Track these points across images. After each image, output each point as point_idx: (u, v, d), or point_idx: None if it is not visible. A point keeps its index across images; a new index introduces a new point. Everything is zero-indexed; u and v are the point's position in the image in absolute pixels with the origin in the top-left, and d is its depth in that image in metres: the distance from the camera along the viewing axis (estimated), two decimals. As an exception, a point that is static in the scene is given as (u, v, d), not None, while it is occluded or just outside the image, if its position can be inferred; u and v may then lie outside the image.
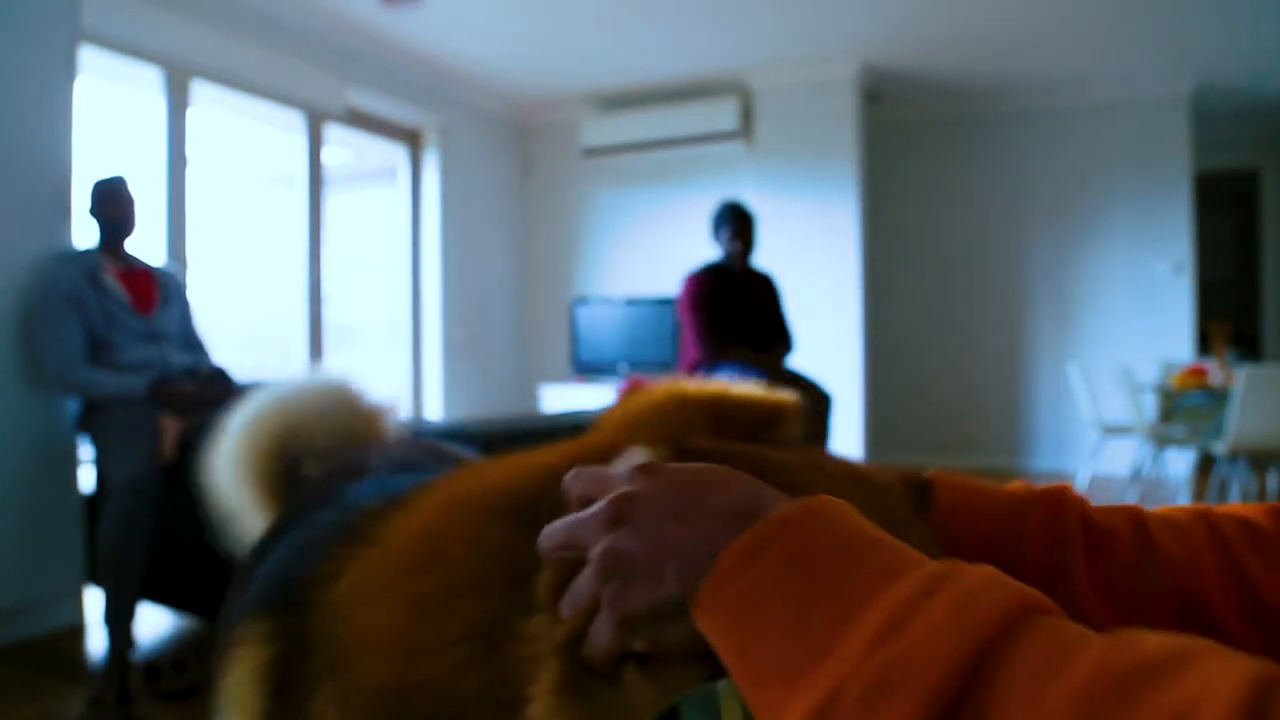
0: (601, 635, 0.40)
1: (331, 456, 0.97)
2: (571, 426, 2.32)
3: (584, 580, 0.41)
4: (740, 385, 0.55)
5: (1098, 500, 0.57)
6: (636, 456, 0.47)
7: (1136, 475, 4.54)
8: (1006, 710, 0.29)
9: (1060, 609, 0.33)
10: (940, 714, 0.29)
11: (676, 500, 0.40)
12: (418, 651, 0.46)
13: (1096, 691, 0.28)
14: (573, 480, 0.45)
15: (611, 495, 0.42)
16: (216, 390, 2.61)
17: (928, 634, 0.30)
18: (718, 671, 0.38)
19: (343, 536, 0.57)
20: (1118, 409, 5.06)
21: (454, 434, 1.93)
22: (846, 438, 4.90)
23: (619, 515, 0.41)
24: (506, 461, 0.54)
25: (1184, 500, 4.32)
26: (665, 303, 5.34)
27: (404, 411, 5.27)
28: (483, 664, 0.43)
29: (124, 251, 2.68)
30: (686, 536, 0.39)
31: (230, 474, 0.98)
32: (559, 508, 0.45)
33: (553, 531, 0.43)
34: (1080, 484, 4.52)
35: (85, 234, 2.72)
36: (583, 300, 5.65)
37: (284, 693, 0.54)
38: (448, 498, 0.53)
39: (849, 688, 0.30)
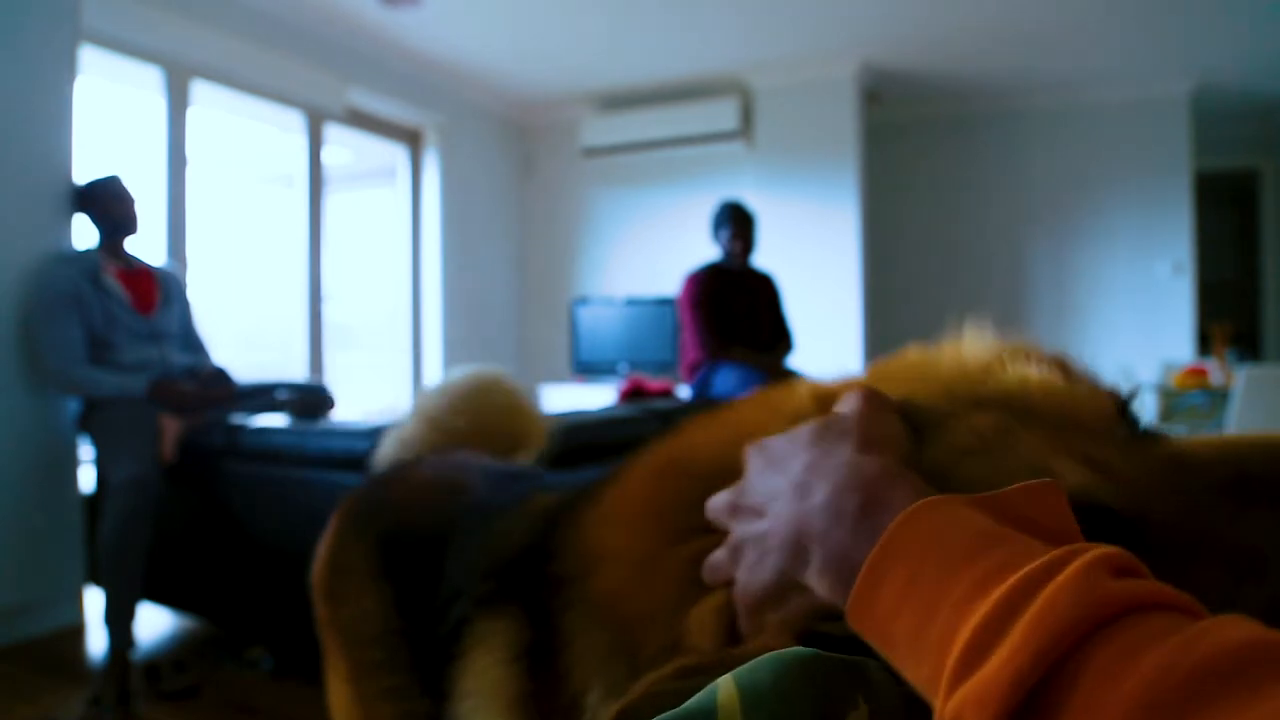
0: (737, 607, 0.45)
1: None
2: (571, 427, 2.32)
3: (718, 556, 0.46)
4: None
5: None
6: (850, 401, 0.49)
7: (1136, 475, 4.53)
8: (1071, 713, 0.29)
9: (1186, 598, 0.32)
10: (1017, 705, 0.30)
11: (802, 482, 0.44)
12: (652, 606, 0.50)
13: (1152, 700, 0.27)
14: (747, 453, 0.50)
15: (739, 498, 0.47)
16: (217, 390, 2.61)
17: (1012, 643, 0.31)
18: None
19: (565, 505, 0.63)
20: (1118, 409, 5.06)
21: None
22: (846, 438, 4.90)
23: (739, 509, 0.46)
24: (709, 427, 0.58)
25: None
26: (665, 303, 5.34)
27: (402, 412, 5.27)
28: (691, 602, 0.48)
29: (124, 251, 2.67)
30: (820, 526, 0.42)
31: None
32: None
33: (713, 504, 0.49)
34: (1080, 484, 4.51)
35: (85, 234, 2.72)
36: (583, 300, 5.65)
37: (539, 672, 0.57)
38: (661, 461, 0.58)
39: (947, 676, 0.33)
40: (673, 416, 2.76)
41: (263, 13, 4.01)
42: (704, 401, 3.41)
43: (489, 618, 0.62)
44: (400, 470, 1.00)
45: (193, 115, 3.77)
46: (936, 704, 0.33)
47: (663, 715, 0.38)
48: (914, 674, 0.35)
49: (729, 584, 0.46)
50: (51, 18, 2.70)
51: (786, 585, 0.42)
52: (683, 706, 0.39)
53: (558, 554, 0.59)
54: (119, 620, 2.17)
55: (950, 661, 0.33)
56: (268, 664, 2.26)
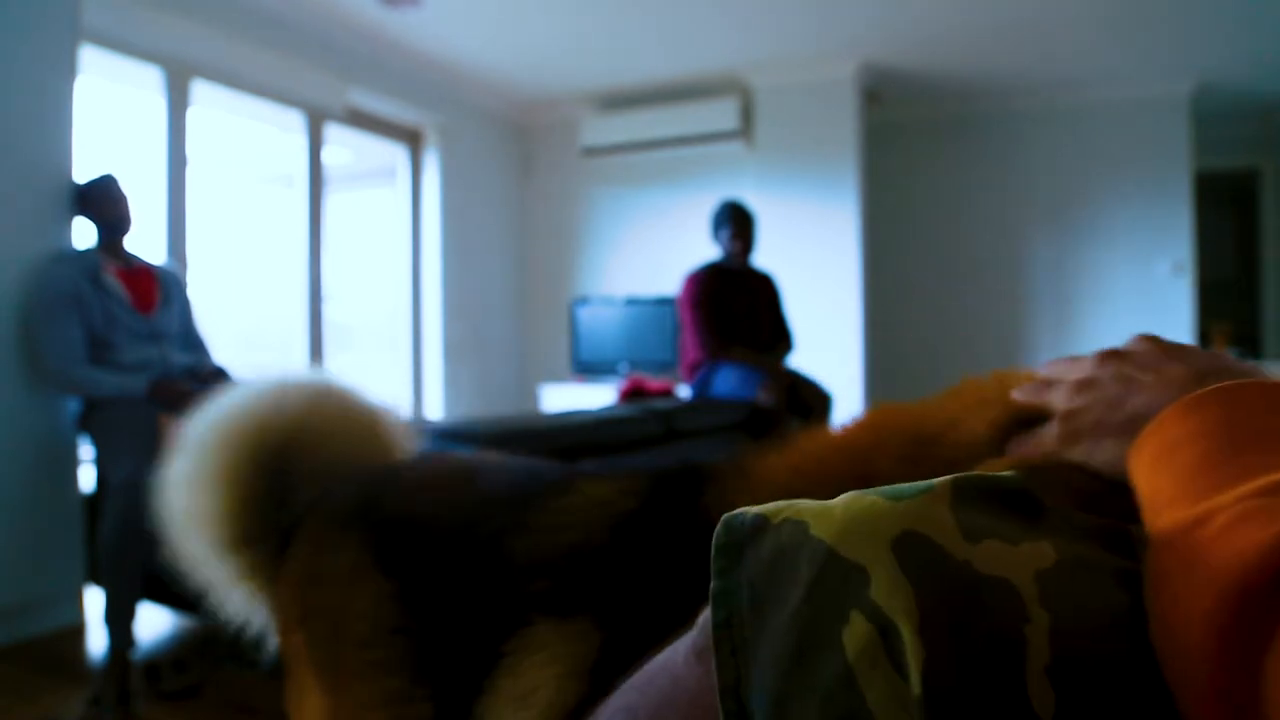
0: (1049, 435, 0.51)
1: (328, 473, 0.90)
2: (571, 427, 2.32)
3: (1061, 389, 0.52)
4: None
5: None
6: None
7: (1136, 475, 4.54)
8: None
9: None
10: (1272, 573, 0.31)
11: (1144, 362, 0.49)
12: None
13: None
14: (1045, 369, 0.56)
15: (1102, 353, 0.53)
16: (217, 390, 2.60)
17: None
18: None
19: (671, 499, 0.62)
20: (1118, 409, 5.06)
21: (454, 434, 1.93)
22: (846, 438, 4.90)
23: (1114, 353, 0.52)
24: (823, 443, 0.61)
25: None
26: (665, 302, 5.34)
27: (402, 412, 5.27)
28: None
29: (124, 250, 2.67)
30: (1151, 387, 0.47)
31: (196, 499, 0.88)
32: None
33: (1051, 367, 0.55)
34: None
35: (85, 234, 2.72)
36: (583, 300, 5.65)
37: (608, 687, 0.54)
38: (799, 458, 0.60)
39: (1215, 518, 0.34)
40: (673, 416, 2.76)
41: (263, 13, 4.01)
42: (704, 401, 3.41)
43: (550, 622, 0.59)
44: (392, 467, 0.94)
45: (193, 115, 3.76)
46: (1198, 522, 0.35)
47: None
48: (1175, 495, 0.38)
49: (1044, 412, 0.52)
50: (51, 18, 2.70)
51: (1126, 422, 0.47)
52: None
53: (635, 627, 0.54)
54: (119, 620, 2.17)
55: (1247, 489, 0.34)
56: (268, 664, 2.25)
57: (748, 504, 0.49)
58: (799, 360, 4.15)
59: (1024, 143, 5.67)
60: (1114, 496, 0.45)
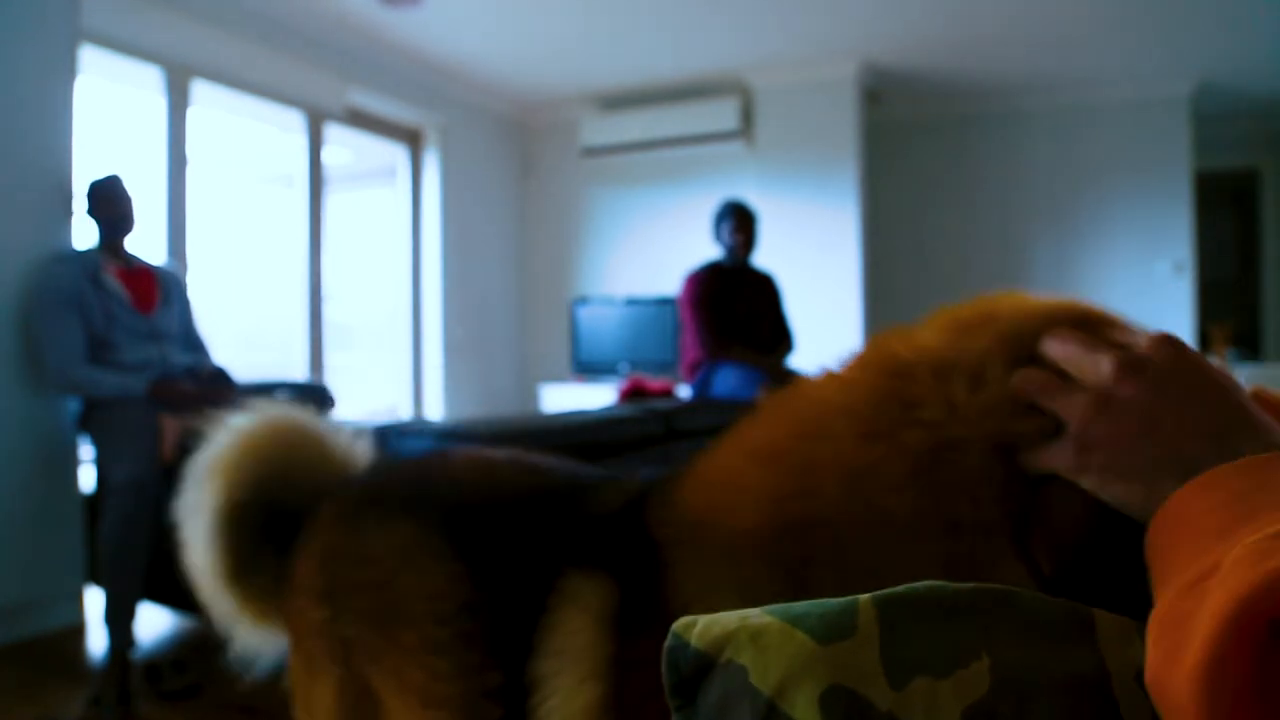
0: (1062, 457, 0.47)
1: (307, 487, 0.98)
2: (571, 427, 2.32)
3: (1075, 402, 0.47)
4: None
5: None
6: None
7: (1137, 475, 4.54)
8: None
9: None
10: (1245, 621, 0.31)
11: (1180, 385, 0.46)
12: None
13: None
14: (1057, 344, 0.51)
15: (1130, 354, 0.47)
16: (217, 390, 2.61)
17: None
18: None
19: (651, 485, 0.66)
20: (1118, 409, 5.06)
21: (455, 435, 1.93)
22: (847, 438, 4.90)
23: (1135, 369, 0.46)
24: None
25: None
26: (665, 302, 5.34)
27: (401, 412, 5.28)
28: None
29: (124, 250, 2.67)
30: (1169, 435, 0.44)
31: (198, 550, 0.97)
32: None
33: (1065, 352, 0.50)
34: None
35: (85, 234, 2.72)
36: (583, 300, 5.65)
37: (628, 636, 0.59)
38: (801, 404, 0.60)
39: (1219, 569, 0.34)
40: (673, 416, 2.76)
41: (263, 13, 4.01)
42: (704, 401, 3.41)
43: (580, 577, 0.64)
44: (433, 458, 0.99)
45: (193, 115, 3.77)
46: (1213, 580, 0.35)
47: (809, 603, 0.43)
48: (1188, 562, 0.37)
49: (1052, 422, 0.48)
50: (51, 18, 2.70)
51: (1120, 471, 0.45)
52: (828, 604, 0.42)
53: (657, 522, 0.62)
54: (119, 620, 2.17)
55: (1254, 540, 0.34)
56: (267, 666, 2.25)
57: (685, 509, 0.60)
58: (799, 360, 4.15)
59: (1024, 143, 5.67)
60: (1107, 546, 0.46)
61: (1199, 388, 0.46)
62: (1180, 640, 0.34)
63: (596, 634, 0.60)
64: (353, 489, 0.93)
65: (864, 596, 0.42)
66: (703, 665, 0.43)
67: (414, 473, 0.93)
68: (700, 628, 0.44)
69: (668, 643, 0.44)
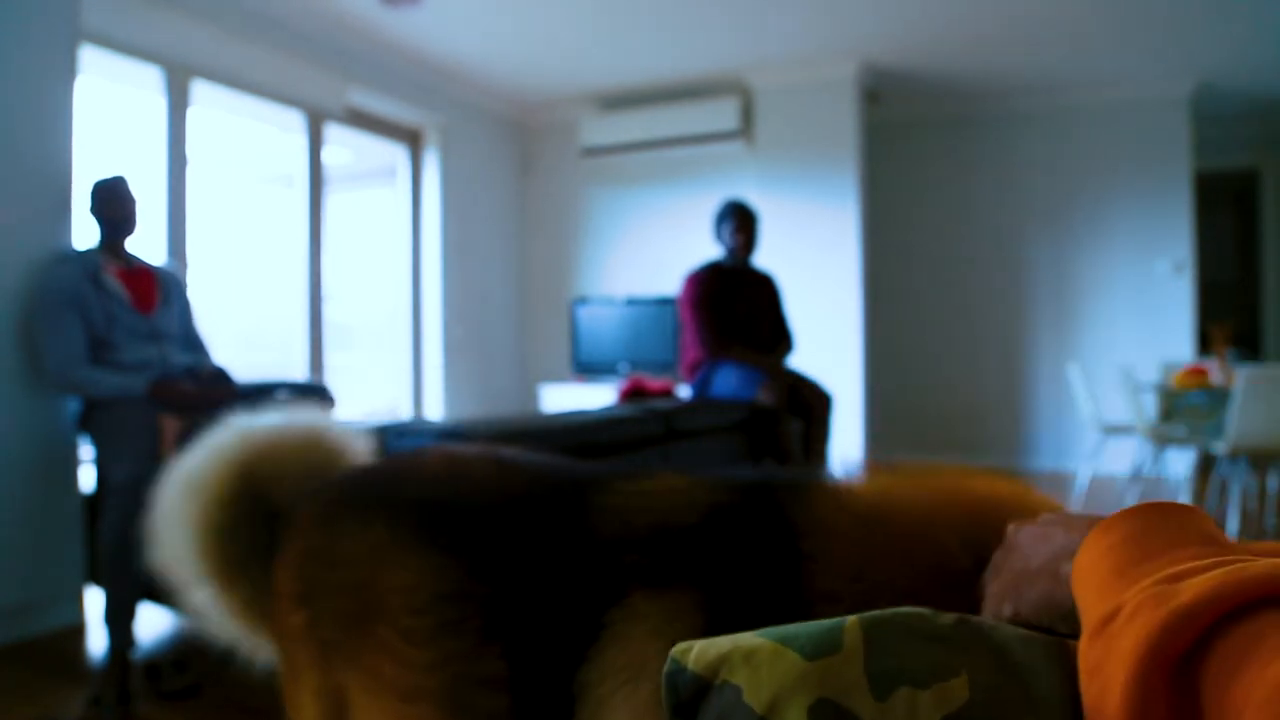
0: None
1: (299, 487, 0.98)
2: (571, 427, 2.32)
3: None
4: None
5: (1098, 501, 0.62)
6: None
7: (1137, 475, 4.54)
8: (1216, 671, 0.35)
9: None
10: (1168, 647, 0.37)
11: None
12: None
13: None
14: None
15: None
16: (217, 390, 2.61)
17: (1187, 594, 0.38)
18: None
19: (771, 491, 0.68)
20: (1118, 409, 5.06)
21: (454, 435, 1.93)
22: (846, 438, 4.90)
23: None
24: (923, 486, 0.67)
25: (1184, 499, 4.32)
26: (665, 303, 5.34)
27: (401, 412, 5.28)
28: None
29: (124, 251, 2.67)
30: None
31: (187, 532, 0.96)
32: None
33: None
34: (1080, 484, 4.52)
35: (85, 234, 2.72)
36: (583, 300, 5.65)
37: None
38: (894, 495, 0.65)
39: (1122, 611, 0.40)
40: (673, 416, 2.76)
41: (263, 13, 4.01)
42: (704, 401, 3.41)
43: (647, 593, 0.64)
44: (400, 460, 0.98)
45: (193, 115, 3.76)
46: (1115, 617, 0.40)
47: (799, 625, 0.45)
48: (1095, 600, 0.43)
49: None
50: (51, 18, 2.70)
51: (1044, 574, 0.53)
52: (815, 626, 0.45)
53: (804, 533, 0.63)
54: (119, 620, 2.17)
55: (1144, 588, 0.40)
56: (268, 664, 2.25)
57: (828, 524, 0.63)
58: (799, 360, 4.15)
59: (1024, 143, 5.67)
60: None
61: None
62: (1103, 685, 0.38)
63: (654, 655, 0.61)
64: (329, 492, 0.92)
65: (851, 618, 0.45)
66: (700, 687, 0.45)
67: (383, 477, 0.93)
68: (696, 652, 0.46)
69: (666, 668, 0.46)
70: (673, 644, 0.59)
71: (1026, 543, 0.56)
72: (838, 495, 0.66)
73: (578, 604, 0.67)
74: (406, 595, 0.75)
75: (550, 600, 0.69)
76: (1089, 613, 0.43)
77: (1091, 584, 0.45)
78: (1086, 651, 0.41)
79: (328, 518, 0.88)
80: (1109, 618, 0.40)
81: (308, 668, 0.84)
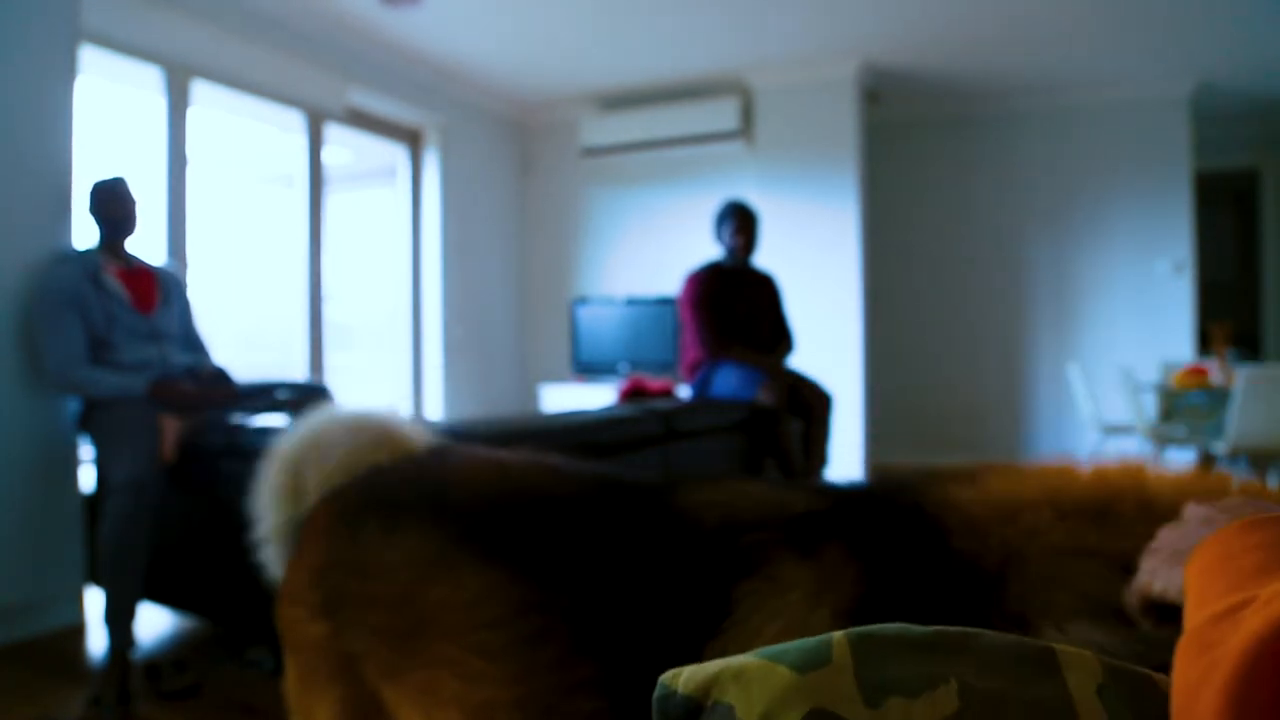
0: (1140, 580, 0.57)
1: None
2: (572, 427, 2.32)
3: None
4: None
5: None
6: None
7: (1137, 475, 4.53)
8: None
9: None
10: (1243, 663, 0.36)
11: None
12: None
13: None
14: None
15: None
16: (217, 390, 2.61)
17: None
18: None
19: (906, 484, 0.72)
20: (1118, 408, 5.05)
21: (455, 435, 1.93)
22: (846, 438, 4.90)
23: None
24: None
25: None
26: (665, 303, 5.34)
27: (401, 412, 5.27)
28: None
29: (124, 251, 2.67)
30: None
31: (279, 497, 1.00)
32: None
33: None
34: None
35: (85, 234, 2.72)
36: (583, 300, 5.65)
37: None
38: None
39: (1259, 597, 0.39)
40: (673, 416, 2.76)
41: (263, 13, 4.01)
42: (704, 401, 3.41)
43: (792, 559, 0.65)
44: (424, 458, 0.97)
45: (193, 115, 3.76)
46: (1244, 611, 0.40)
47: (784, 644, 0.46)
48: (1224, 591, 0.43)
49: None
50: (51, 18, 2.70)
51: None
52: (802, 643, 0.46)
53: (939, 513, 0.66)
54: (119, 620, 2.17)
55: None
56: (268, 664, 2.25)
57: (967, 509, 0.66)
58: (799, 360, 4.15)
59: (1024, 143, 5.67)
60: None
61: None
62: (1214, 660, 0.37)
63: (837, 626, 0.63)
64: (349, 494, 0.90)
65: (837, 633, 0.46)
66: (691, 710, 0.45)
67: (412, 477, 0.89)
68: (685, 675, 0.46)
69: (656, 693, 0.47)
70: (833, 607, 0.62)
71: (1192, 521, 0.56)
72: (960, 482, 0.69)
73: (693, 587, 0.68)
74: (468, 611, 0.74)
75: (651, 594, 0.70)
76: (1213, 601, 0.43)
77: (1224, 575, 0.44)
78: (1207, 632, 0.40)
79: (351, 522, 0.85)
80: (1240, 605, 0.40)
81: (330, 680, 0.81)
